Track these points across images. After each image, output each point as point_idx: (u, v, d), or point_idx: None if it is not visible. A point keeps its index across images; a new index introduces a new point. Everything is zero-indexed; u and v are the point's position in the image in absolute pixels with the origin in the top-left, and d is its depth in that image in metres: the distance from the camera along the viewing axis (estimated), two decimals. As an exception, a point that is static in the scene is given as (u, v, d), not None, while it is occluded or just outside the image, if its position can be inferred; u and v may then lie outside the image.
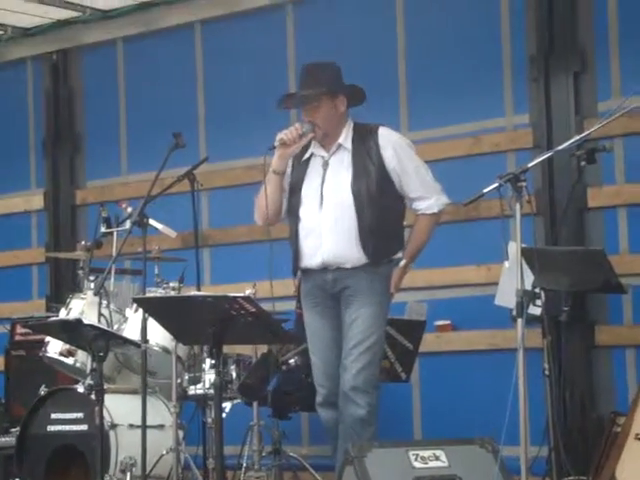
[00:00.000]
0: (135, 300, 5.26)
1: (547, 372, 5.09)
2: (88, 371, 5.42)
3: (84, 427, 5.43)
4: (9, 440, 6.16)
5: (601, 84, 5.96)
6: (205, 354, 5.59)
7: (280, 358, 5.40)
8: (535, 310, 4.57)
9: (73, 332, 4.81)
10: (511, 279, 4.42)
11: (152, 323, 5.03)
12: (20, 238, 7.96)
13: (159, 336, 5.46)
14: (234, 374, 5.63)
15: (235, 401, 5.71)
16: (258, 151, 6.95)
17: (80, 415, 5.46)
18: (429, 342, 6.03)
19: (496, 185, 4.19)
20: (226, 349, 4.62)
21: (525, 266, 4.37)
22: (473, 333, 6.25)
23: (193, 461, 5.50)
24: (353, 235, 4.79)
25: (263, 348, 5.51)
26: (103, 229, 6.05)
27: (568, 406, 5.63)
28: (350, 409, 4.75)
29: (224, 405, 5.42)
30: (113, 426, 5.40)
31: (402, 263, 4.89)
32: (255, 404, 5.60)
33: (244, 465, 5.59)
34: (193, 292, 5.45)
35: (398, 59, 6.58)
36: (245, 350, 5.72)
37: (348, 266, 4.82)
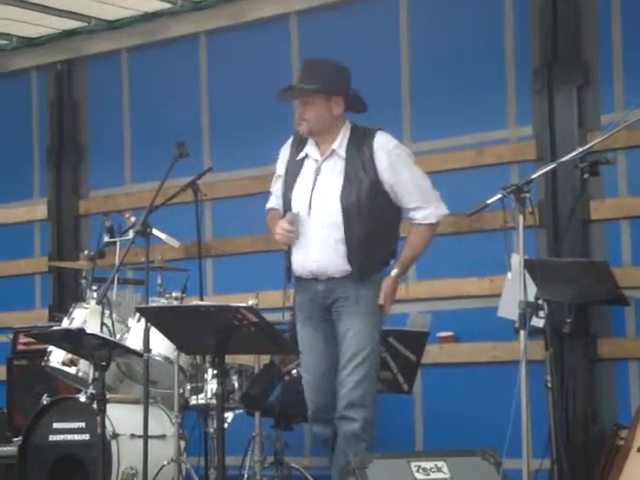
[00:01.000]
0: (138, 309, 5.25)
1: (549, 384, 5.08)
2: (90, 380, 5.43)
3: (86, 437, 5.43)
4: (11, 449, 6.15)
5: (604, 97, 5.97)
6: (207, 364, 5.58)
7: (282, 368, 5.39)
8: (538, 322, 4.56)
9: (76, 341, 4.81)
10: (514, 291, 4.42)
11: (154, 333, 5.03)
12: (23, 247, 7.96)
13: (161, 346, 5.46)
14: (236, 384, 5.61)
15: (237, 411, 5.70)
16: (262, 161, 7.03)
17: (82, 425, 5.46)
18: (432, 353, 6.01)
19: (499, 196, 4.19)
20: (228, 359, 4.61)
21: (528, 278, 4.36)
22: (476, 345, 6.24)
23: (195, 472, 5.49)
24: (340, 247, 4.67)
25: (265, 358, 5.50)
26: (106, 239, 6.05)
27: (570, 419, 5.62)
28: (344, 425, 4.67)
29: (226, 415, 5.41)
30: (115, 436, 5.40)
31: (393, 273, 4.72)
32: (257, 414, 5.58)
33: (245, 476, 5.57)
34: (196, 302, 5.45)
35: (402, 70, 6.59)
36: (247, 360, 5.70)
37: (336, 276, 4.69)
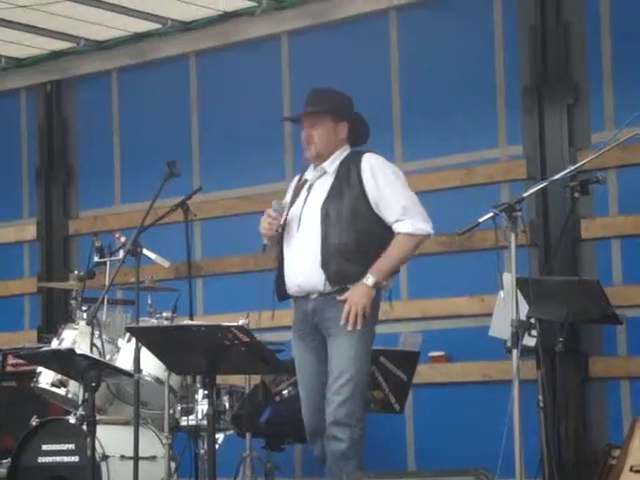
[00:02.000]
0: (128, 329, 5.23)
1: (541, 404, 5.07)
2: (80, 402, 5.38)
3: (75, 458, 5.39)
4: (0, 471, 6.10)
5: (594, 116, 5.99)
6: (198, 385, 5.56)
7: (273, 389, 5.37)
8: (529, 341, 4.56)
9: (65, 362, 4.78)
10: (505, 310, 4.41)
11: (145, 353, 5.01)
12: (12, 268, 7.93)
13: (152, 366, 5.43)
14: (227, 405, 5.59)
15: (228, 432, 5.67)
16: (252, 182, 7.04)
17: (71, 446, 5.42)
18: (423, 373, 6.00)
19: (491, 215, 4.19)
20: (219, 380, 4.58)
21: (520, 296, 4.35)
22: (467, 364, 6.23)
23: (185, 493, 5.47)
24: (317, 258, 4.71)
25: (256, 379, 5.48)
26: (96, 259, 6.03)
27: (562, 438, 5.60)
28: (331, 445, 4.65)
29: (217, 436, 5.38)
30: (105, 457, 5.36)
31: (366, 279, 4.64)
32: (248, 435, 5.56)
33: (236, 497, 5.54)
34: (187, 322, 5.43)
35: (392, 90, 6.60)
36: (238, 381, 5.69)
37: (320, 289, 4.71)
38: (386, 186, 4.75)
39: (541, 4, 6.10)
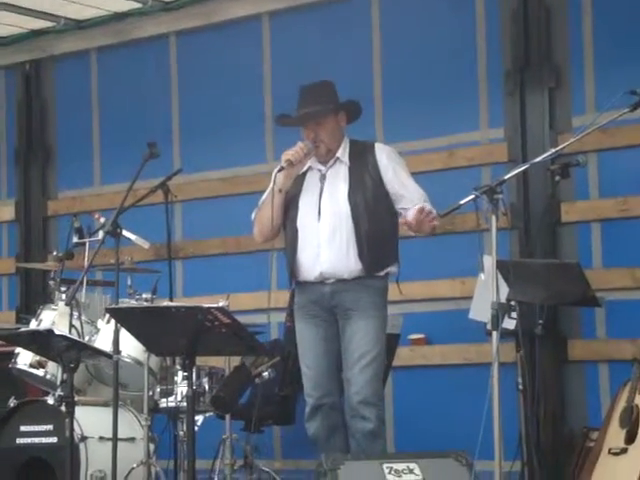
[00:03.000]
0: (108, 310, 5.21)
1: (520, 386, 5.08)
2: (58, 383, 5.36)
3: (54, 440, 5.37)
4: (-23, 453, 6.08)
5: (576, 99, 5.99)
6: (177, 366, 5.55)
7: (253, 371, 5.36)
8: (509, 324, 4.57)
9: (44, 343, 4.75)
10: (485, 293, 4.42)
11: (124, 334, 4.99)
12: (-10, 249, 7.89)
13: (131, 347, 5.42)
14: (206, 386, 5.58)
15: (207, 414, 5.66)
16: (232, 163, 7.01)
17: (50, 427, 5.40)
18: (403, 356, 6.02)
19: (472, 197, 4.19)
20: (199, 361, 4.57)
21: (500, 279, 4.36)
22: (447, 347, 6.24)
23: (164, 475, 5.45)
24: (351, 245, 4.86)
25: (236, 361, 5.47)
26: (75, 239, 5.99)
27: (541, 421, 5.63)
28: (358, 424, 4.79)
29: (196, 418, 5.37)
30: (83, 439, 5.35)
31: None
32: (227, 417, 5.56)
33: (216, 479, 5.54)
34: (166, 303, 5.41)
35: (374, 71, 6.58)
36: (218, 362, 5.68)
37: (346, 277, 4.86)
38: (405, 176, 4.96)
39: (523, -13, 6.10)
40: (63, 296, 5.83)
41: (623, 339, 5.70)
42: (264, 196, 5.05)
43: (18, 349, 5.76)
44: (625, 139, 5.79)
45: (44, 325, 5.70)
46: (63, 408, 4.76)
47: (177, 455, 5.62)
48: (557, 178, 5.15)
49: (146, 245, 5.71)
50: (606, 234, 5.91)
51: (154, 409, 5.58)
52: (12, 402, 5.61)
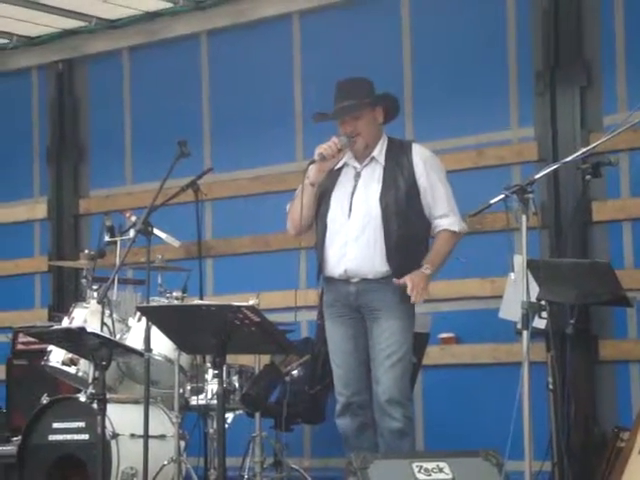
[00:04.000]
0: (139, 309, 5.25)
1: (551, 386, 5.06)
2: (90, 380, 5.40)
3: (85, 436, 5.40)
4: (10, 449, 6.13)
5: (607, 98, 5.96)
6: (208, 364, 5.57)
7: (283, 369, 5.38)
8: (539, 323, 4.55)
9: (76, 340, 4.79)
10: (515, 292, 4.41)
11: (155, 332, 5.02)
12: (23, 247, 7.94)
13: (162, 346, 5.44)
14: (237, 385, 5.60)
15: (237, 412, 5.68)
16: (263, 162, 7.03)
17: (82, 424, 5.44)
18: (433, 355, 6.01)
19: (503, 196, 4.18)
20: (229, 359, 4.60)
21: (530, 279, 4.35)
22: (477, 346, 6.23)
23: (194, 472, 5.47)
24: (378, 247, 4.86)
25: (266, 359, 5.49)
26: (107, 238, 6.03)
27: (572, 421, 5.60)
28: (386, 422, 4.81)
29: (226, 416, 5.39)
30: (115, 436, 5.38)
31: (425, 269, 4.85)
32: (257, 415, 5.57)
33: (245, 477, 5.56)
34: (197, 301, 5.44)
35: (404, 70, 6.58)
36: (248, 361, 5.69)
37: (370, 277, 4.87)
38: (438, 180, 4.95)
39: (554, -14, 6.07)
40: (95, 294, 5.87)
41: (654, 339, 5.68)
42: (298, 189, 5.06)
43: (50, 347, 5.80)
44: (657, 138, 5.76)
45: (76, 323, 5.73)
46: (95, 405, 4.80)
47: (207, 452, 5.65)
48: (588, 177, 5.12)
49: (177, 243, 5.74)
50: (637, 233, 5.88)
51: (185, 407, 5.60)
52: (45, 399, 5.65)
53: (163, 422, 5.60)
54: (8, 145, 8.02)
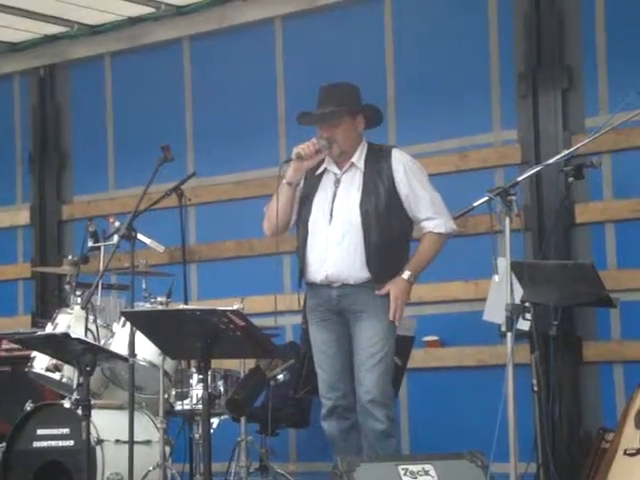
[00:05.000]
0: (123, 314, 5.24)
1: (535, 388, 5.08)
2: (74, 386, 5.39)
3: (70, 443, 5.38)
4: (-6, 456, 6.11)
5: (589, 100, 5.99)
6: (193, 369, 5.56)
7: (268, 373, 5.38)
8: (523, 325, 4.57)
9: (60, 346, 4.78)
10: (499, 294, 4.42)
11: (139, 338, 5.01)
12: (6, 253, 7.91)
13: (146, 351, 5.43)
14: (222, 389, 5.60)
15: (222, 417, 5.68)
16: (246, 167, 7.03)
17: (66, 431, 5.42)
18: (417, 358, 6.01)
19: (486, 199, 4.19)
20: (214, 364, 4.59)
21: (514, 281, 4.36)
22: (461, 349, 6.24)
23: (180, 477, 5.47)
24: (358, 253, 4.87)
25: (251, 363, 5.49)
26: (90, 243, 6.02)
27: (556, 422, 5.62)
28: (369, 423, 4.82)
29: (211, 421, 5.39)
30: (99, 442, 5.36)
31: (405, 275, 4.89)
32: (243, 420, 5.57)
33: (231, 481, 5.56)
34: (182, 306, 5.43)
35: (387, 74, 6.59)
36: (233, 365, 5.69)
37: (351, 282, 4.88)
38: (418, 184, 4.94)
39: (536, -11, 6.10)
40: (79, 300, 5.86)
41: (638, 340, 5.70)
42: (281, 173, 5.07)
43: (34, 353, 5.79)
44: (639, 139, 5.78)
45: (60, 329, 5.72)
46: (79, 411, 4.79)
47: (192, 458, 5.64)
48: (571, 179, 5.15)
49: (161, 249, 5.74)
50: (620, 235, 5.90)
51: (170, 412, 5.60)
52: (29, 405, 5.63)
53: (148, 428, 5.59)
54: (-10, 151, 8.00)
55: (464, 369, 6.21)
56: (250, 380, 5.38)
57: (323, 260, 4.91)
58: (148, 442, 5.53)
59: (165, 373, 5.52)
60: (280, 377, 5.40)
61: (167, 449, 5.46)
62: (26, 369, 5.89)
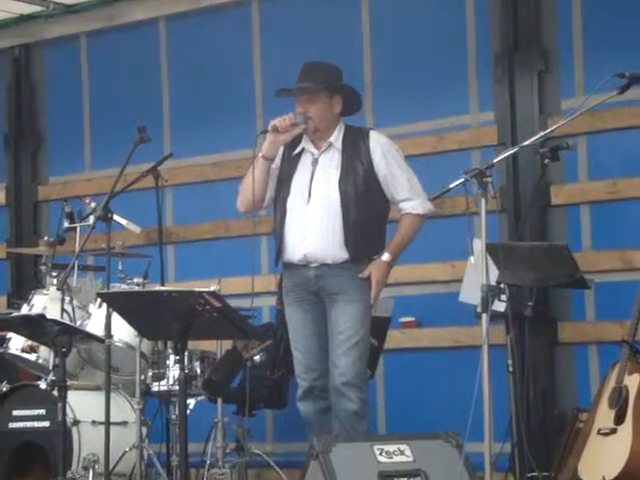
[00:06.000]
0: (99, 295, 5.23)
1: (511, 368, 5.11)
2: (50, 367, 5.38)
3: (46, 424, 5.38)
4: (-30, 437, 6.09)
5: (564, 82, 6.01)
6: (169, 350, 5.56)
7: (245, 354, 5.38)
8: (499, 306, 4.59)
9: (36, 327, 4.77)
10: (475, 276, 4.44)
11: (116, 319, 5.00)
12: (-19, 234, 7.87)
13: (123, 332, 5.43)
14: (198, 370, 5.60)
15: (199, 398, 5.68)
16: (223, 148, 7.01)
17: (42, 412, 5.41)
18: (394, 339, 6.04)
19: (462, 180, 4.20)
20: (190, 345, 4.60)
21: (490, 262, 4.38)
22: (438, 330, 6.27)
23: (157, 458, 5.47)
24: (337, 232, 4.89)
25: (228, 344, 5.49)
26: (66, 224, 5.99)
27: (531, 402, 5.66)
28: (342, 404, 4.85)
29: (188, 402, 5.39)
30: (76, 422, 5.36)
31: (384, 257, 4.93)
32: (219, 401, 5.58)
33: (208, 462, 5.56)
34: (158, 287, 5.43)
35: (363, 56, 6.59)
36: (210, 346, 5.70)
37: (329, 262, 4.90)
38: (396, 165, 4.98)
39: (512, -29, 6.10)
40: (54, 281, 5.84)
41: (612, 321, 5.73)
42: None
43: (10, 334, 5.77)
44: (614, 122, 5.81)
45: (36, 310, 5.70)
46: (55, 392, 4.79)
47: (169, 439, 5.64)
48: (546, 161, 5.18)
49: (137, 230, 5.72)
50: (595, 216, 5.93)
51: (146, 393, 5.59)
52: (4, 386, 5.62)
53: (124, 409, 5.59)
54: (-35, 132, 7.93)
55: (440, 350, 6.24)
56: (227, 361, 5.37)
57: (301, 239, 4.93)
58: (125, 423, 5.53)
59: (142, 354, 5.52)
60: (257, 358, 5.39)
61: (144, 430, 5.46)
62: (1, 350, 5.87)
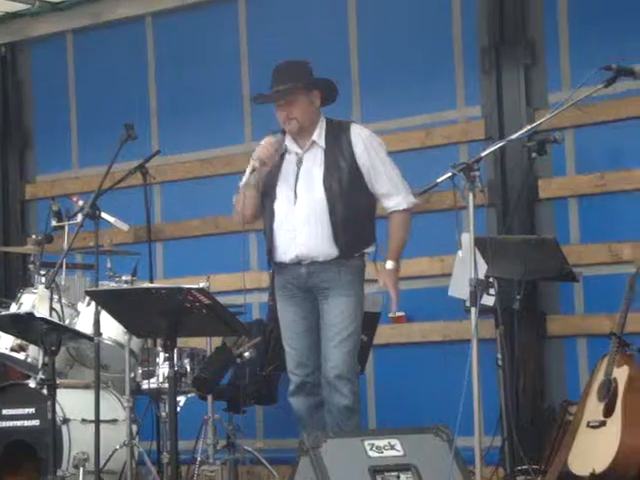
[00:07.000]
0: (88, 293, 5.22)
1: (500, 362, 5.12)
2: (40, 366, 5.36)
3: (36, 422, 5.38)
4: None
5: (551, 75, 6.01)
6: (159, 347, 5.56)
7: (234, 351, 5.39)
8: (488, 300, 4.60)
9: (24, 326, 4.76)
10: (464, 270, 4.44)
11: (105, 317, 5.00)
12: (-32, 233, 7.84)
13: (112, 330, 5.43)
14: (188, 368, 5.59)
15: (189, 395, 5.68)
16: (210, 144, 7.00)
17: (32, 410, 5.41)
18: (383, 334, 6.04)
19: (449, 174, 4.21)
20: (180, 342, 4.60)
21: (478, 256, 4.39)
22: (427, 325, 6.27)
23: (147, 456, 5.47)
24: (326, 230, 4.90)
25: (217, 341, 5.49)
26: (54, 223, 5.99)
27: (520, 396, 5.68)
28: (335, 398, 4.87)
29: (178, 399, 5.39)
30: (65, 421, 5.37)
31: (388, 265, 4.99)
32: (209, 398, 5.58)
33: (198, 459, 5.56)
34: (146, 284, 5.42)
35: (350, 51, 6.58)
36: (199, 343, 5.69)
37: (320, 259, 4.92)
38: (378, 160, 4.98)
39: (498, -36, 6.10)
40: (43, 279, 5.83)
41: (601, 314, 5.75)
42: (244, 179, 5.04)
43: (-2, 333, 5.75)
44: (601, 115, 5.82)
45: (24, 309, 5.69)
46: (45, 391, 4.77)
47: (159, 436, 5.65)
48: (534, 155, 5.19)
49: (125, 227, 5.71)
50: (583, 210, 5.94)
51: (136, 391, 5.59)
52: (-7, 386, 5.62)
53: (114, 406, 5.59)
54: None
55: (430, 344, 6.24)
56: (216, 358, 5.38)
57: (291, 241, 4.94)
58: (115, 421, 5.53)
59: (131, 352, 5.52)
60: (247, 355, 5.40)
61: (134, 428, 5.46)
62: (-10, 349, 5.86)
